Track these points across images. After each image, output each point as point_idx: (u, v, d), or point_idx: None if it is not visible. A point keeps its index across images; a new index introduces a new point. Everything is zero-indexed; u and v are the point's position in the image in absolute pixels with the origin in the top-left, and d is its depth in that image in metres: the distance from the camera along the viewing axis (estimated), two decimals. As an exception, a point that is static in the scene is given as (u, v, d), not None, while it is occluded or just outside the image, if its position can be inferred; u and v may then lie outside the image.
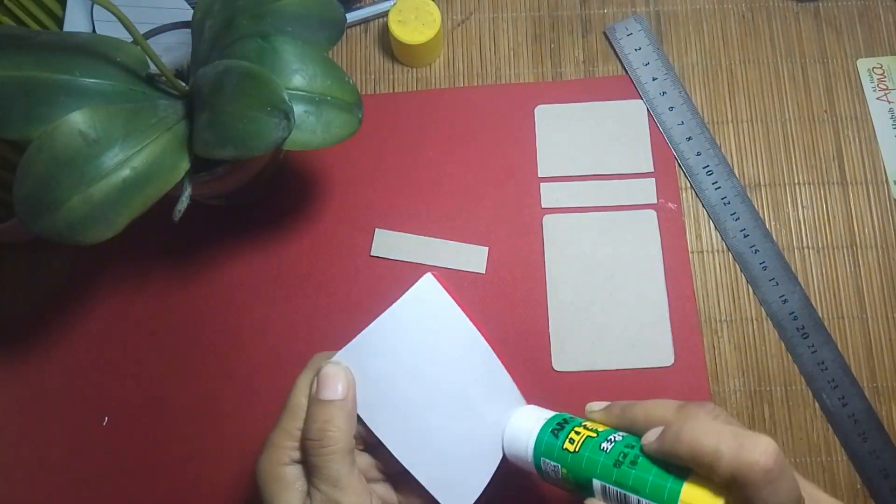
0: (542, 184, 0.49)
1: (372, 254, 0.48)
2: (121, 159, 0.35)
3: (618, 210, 0.49)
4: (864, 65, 0.51)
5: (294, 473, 0.32)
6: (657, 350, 0.46)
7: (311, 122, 0.37)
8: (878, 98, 0.51)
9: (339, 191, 0.50)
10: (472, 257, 0.48)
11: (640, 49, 0.51)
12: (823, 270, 0.48)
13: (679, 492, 0.28)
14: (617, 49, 0.52)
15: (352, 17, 0.52)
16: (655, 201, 0.49)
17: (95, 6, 0.50)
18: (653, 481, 0.29)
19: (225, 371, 0.46)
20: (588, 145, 0.50)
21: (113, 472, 0.45)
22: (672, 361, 0.46)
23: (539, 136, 0.50)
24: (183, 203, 0.39)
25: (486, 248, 0.48)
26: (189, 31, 0.41)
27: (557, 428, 0.34)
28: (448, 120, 0.51)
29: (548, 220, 0.49)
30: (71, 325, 0.47)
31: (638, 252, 0.48)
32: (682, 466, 0.28)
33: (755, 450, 0.26)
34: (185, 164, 0.37)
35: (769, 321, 0.47)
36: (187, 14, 0.48)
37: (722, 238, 0.48)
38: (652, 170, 0.49)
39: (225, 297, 0.48)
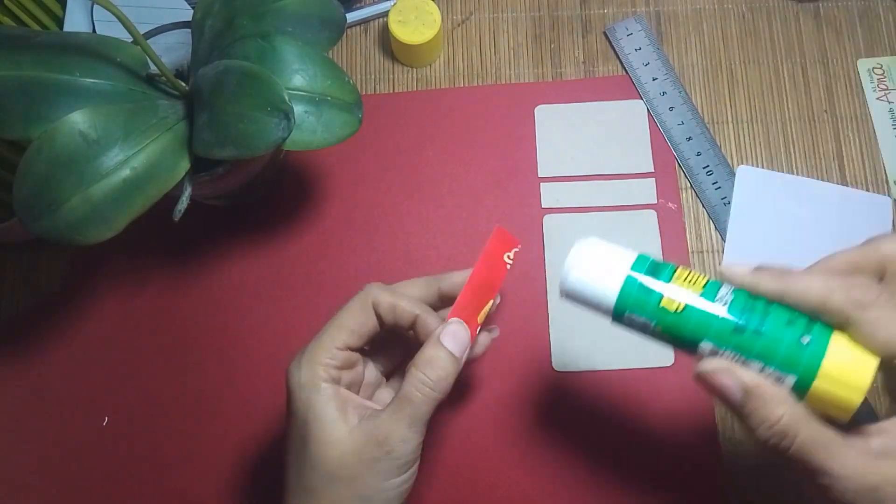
0: (542, 184, 0.49)
1: (372, 254, 0.48)
2: (121, 159, 0.35)
3: (618, 210, 0.49)
4: (864, 65, 0.51)
5: (331, 392, 0.33)
6: (657, 350, 0.46)
7: (311, 122, 0.37)
8: (878, 98, 0.51)
9: (339, 191, 0.50)
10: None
11: (640, 49, 0.51)
12: (823, 270, 0.48)
13: (818, 365, 0.26)
14: (617, 49, 0.52)
15: (352, 17, 0.52)
16: (655, 201, 0.49)
17: (95, 6, 0.50)
18: (785, 352, 0.27)
19: (225, 371, 0.46)
20: (588, 145, 0.50)
21: (113, 472, 0.45)
22: (672, 361, 0.46)
23: (539, 136, 0.50)
24: (183, 203, 0.39)
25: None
26: (189, 31, 0.41)
27: (649, 276, 0.30)
28: (448, 120, 0.51)
29: (548, 220, 0.49)
30: (71, 325, 0.47)
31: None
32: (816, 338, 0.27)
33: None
34: (185, 165, 0.37)
35: (769, 321, 0.47)
36: (187, 14, 0.48)
37: (722, 238, 0.48)
38: (652, 170, 0.49)
39: (225, 297, 0.48)
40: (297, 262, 0.48)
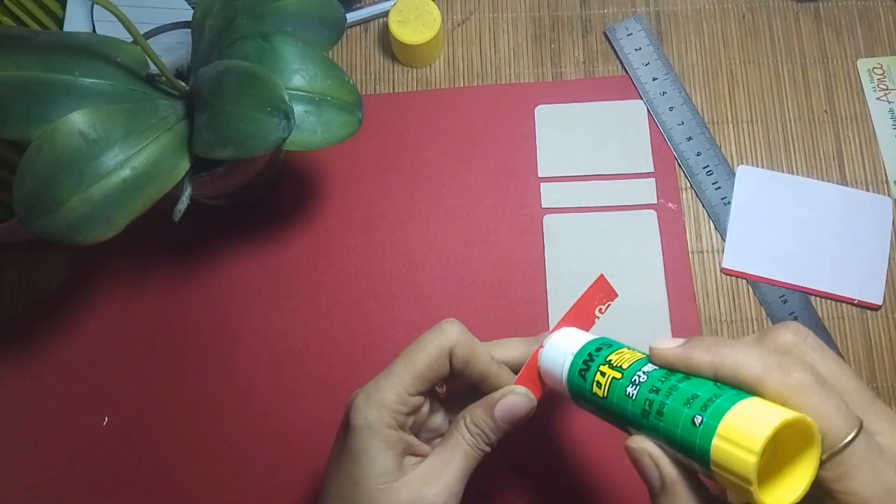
0: (542, 184, 0.49)
1: (372, 254, 0.48)
2: (121, 159, 0.35)
3: (618, 210, 0.49)
4: (864, 65, 0.51)
5: (394, 439, 0.33)
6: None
7: (311, 122, 0.37)
8: (878, 98, 0.51)
9: (339, 191, 0.50)
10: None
11: (640, 49, 0.51)
12: (823, 270, 0.48)
13: (709, 450, 0.24)
14: (617, 49, 0.52)
15: (352, 17, 0.52)
16: (655, 201, 0.49)
17: (95, 6, 0.50)
18: (681, 436, 0.25)
19: (225, 371, 0.46)
20: (588, 145, 0.50)
21: (113, 473, 0.45)
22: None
23: (539, 136, 0.50)
24: (183, 203, 0.39)
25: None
26: (189, 31, 0.41)
27: (584, 368, 0.30)
28: (448, 120, 0.51)
29: (548, 220, 0.49)
30: (71, 325, 0.47)
31: (638, 252, 0.48)
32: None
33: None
34: (185, 164, 0.37)
35: (769, 321, 0.47)
36: (187, 14, 0.48)
37: (722, 238, 0.48)
38: (652, 170, 0.49)
39: (225, 297, 0.48)
40: (297, 262, 0.48)
